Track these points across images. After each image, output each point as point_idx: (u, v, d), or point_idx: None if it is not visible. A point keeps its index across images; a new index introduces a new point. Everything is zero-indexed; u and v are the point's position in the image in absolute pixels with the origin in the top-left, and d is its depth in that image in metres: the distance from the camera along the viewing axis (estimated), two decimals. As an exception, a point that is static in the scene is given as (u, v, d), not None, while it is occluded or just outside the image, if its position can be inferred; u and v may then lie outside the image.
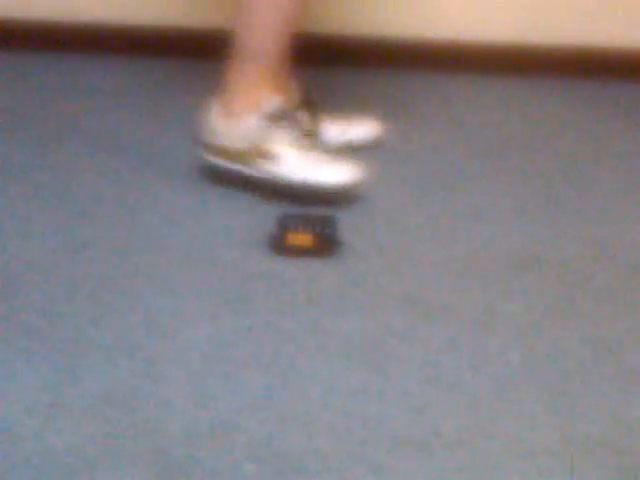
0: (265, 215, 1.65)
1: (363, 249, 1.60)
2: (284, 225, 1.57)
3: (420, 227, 1.68)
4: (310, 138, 1.77)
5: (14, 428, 1.21)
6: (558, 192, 1.80)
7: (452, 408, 1.27)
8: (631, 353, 1.38)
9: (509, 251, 1.61)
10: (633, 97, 2.17)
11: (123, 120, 2.02)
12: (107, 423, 1.22)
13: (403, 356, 1.36)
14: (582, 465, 1.18)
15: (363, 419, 1.24)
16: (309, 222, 1.58)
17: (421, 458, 1.18)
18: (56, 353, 1.34)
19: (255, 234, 1.62)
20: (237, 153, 1.71)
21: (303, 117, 1.79)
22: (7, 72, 2.22)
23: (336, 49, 2.24)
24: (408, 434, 1.22)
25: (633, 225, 1.71)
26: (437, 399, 1.28)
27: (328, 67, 2.20)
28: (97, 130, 1.97)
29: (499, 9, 2.23)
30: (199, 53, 2.19)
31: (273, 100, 1.70)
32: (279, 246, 1.57)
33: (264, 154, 1.70)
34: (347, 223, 1.64)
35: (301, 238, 1.56)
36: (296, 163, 1.70)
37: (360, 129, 1.89)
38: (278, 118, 1.71)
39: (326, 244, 1.57)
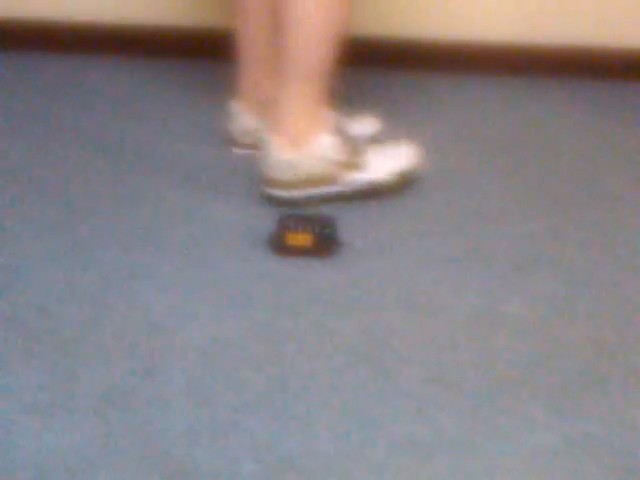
0: (265, 215, 1.65)
1: (363, 249, 1.60)
2: (284, 225, 1.57)
3: (420, 227, 1.68)
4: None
5: (14, 428, 1.21)
6: (558, 192, 1.80)
7: (452, 408, 1.27)
8: (631, 353, 1.38)
9: (509, 251, 1.61)
10: (633, 97, 2.17)
11: (123, 120, 2.02)
12: (107, 423, 1.22)
13: (403, 356, 1.36)
14: (582, 465, 1.18)
15: (363, 419, 1.24)
16: (309, 222, 1.57)
17: (421, 458, 1.18)
18: (56, 353, 1.34)
19: (255, 234, 1.62)
20: (320, 176, 1.68)
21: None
22: (7, 72, 2.22)
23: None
24: (408, 434, 1.22)
25: (633, 225, 1.71)
26: (437, 399, 1.28)
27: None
28: (97, 130, 1.97)
29: (499, 9, 2.23)
30: (199, 53, 2.19)
31: (329, 111, 1.68)
32: (279, 246, 1.57)
33: (349, 166, 1.68)
34: (347, 223, 1.64)
35: (301, 238, 1.56)
36: (378, 161, 1.71)
37: (358, 126, 1.90)
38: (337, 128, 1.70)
39: (326, 244, 1.57)
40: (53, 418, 1.22)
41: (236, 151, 1.89)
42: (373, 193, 1.73)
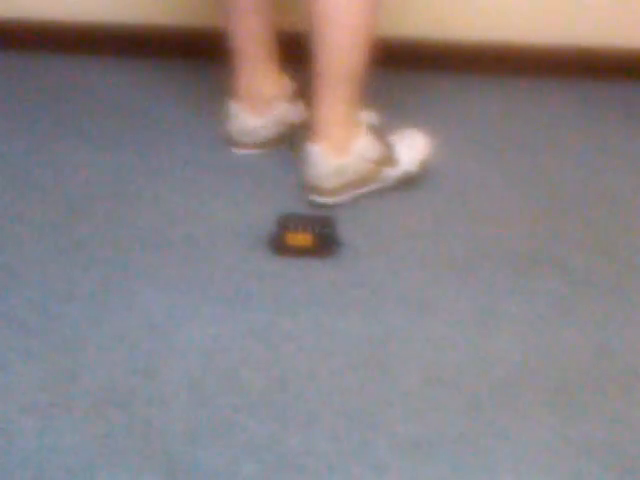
0: (265, 215, 1.65)
1: (363, 249, 1.60)
2: (284, 225, 1.57)
3: (420, 227, 1.68)
4: None
5: (14, 428, 1.21)
6: (558, 192, 1.80)
7: (452, 408, 1.27)
8: (631, 353, 1.38)
9: (509, 251, 1.61)
10: (633, 97, 2.17)
11: (122, 120, 2.01)
12: (107, 423, 1.22)
13: (403, 356, 1.36)
14: (582, 465, 1.18)
15: (363, 419, 1.24)
16: (309, 222, 1.57)
17: (421, 458, 1.18)
18: (56, 353, 1.34)
19: (255, 234, 1.62)
20: (362, 177, 1.71)
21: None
22: (7, 72, 2.22)
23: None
24: (408, 434, 1.22)
25: (633, 225, 1.71)
26: (437, 399, 1.28)
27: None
28: (96, 130, 1.97)
29: (499, 9, 2.23)
30: (199, 53, 2.19)
31: (363, 111, 1.70)
32: (279, 246, 1.57)
33: (386, 162, 1.71)
34: (347, 223, 1.64)
35: (301, 238, 1.56)
36: (408, 153, 1.75)
37: None
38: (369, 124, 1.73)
39: (326, 244, 1.57)
40: (53, 418, 1.22)
41: (236, 151, 1.89)
42: (405, 183, 1.76)
